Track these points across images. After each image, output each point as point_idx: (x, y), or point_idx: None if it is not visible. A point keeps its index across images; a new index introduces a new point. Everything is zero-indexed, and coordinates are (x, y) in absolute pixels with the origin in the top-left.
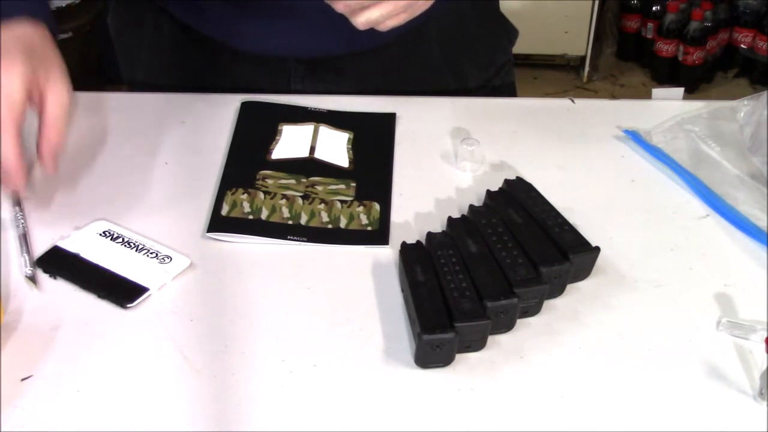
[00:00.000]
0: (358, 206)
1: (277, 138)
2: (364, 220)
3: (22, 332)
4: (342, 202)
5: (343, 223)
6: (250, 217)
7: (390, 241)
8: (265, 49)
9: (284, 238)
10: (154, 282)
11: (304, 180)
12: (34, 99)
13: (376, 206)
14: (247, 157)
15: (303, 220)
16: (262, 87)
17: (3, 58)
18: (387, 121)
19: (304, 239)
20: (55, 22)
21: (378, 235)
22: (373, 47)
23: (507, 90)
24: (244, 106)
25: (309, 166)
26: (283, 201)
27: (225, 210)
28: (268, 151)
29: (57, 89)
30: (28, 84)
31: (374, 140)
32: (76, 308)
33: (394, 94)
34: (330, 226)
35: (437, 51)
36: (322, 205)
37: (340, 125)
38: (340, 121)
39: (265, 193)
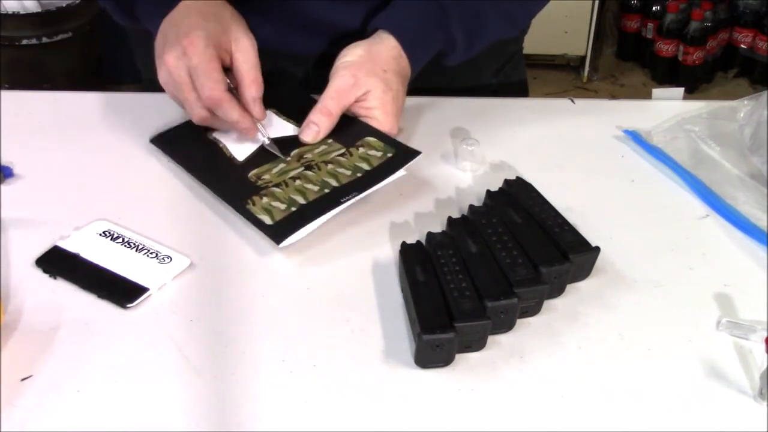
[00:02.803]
0: (358, 149)
1: (220, 145)
2: (377, 153)
3: (22, 332)
4: (341, 155)
5: (367, 166)
6: (293, 209)
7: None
8: (280, 47)
9: (337, 204)
10: (154, 282)
11: (289, 158)
12: (225, 61)
13: (370, 139)
14: (220, 175)
15: (335, 183)
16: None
17: (186, 35)
18: None
19: (355, 193)
20: None
21: (402, 154)
22: None
23: (518, 88)
24: (158, 142)
25: (279, 148)
26: (300, 182)
27: (267, 220)
28: (230, 159)
29: (242, 46)
30: (215, 50)
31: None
32: (76, 308)
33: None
34: (359, 174)
35: None
36: (331, 166)
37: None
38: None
39: (277, 186)
